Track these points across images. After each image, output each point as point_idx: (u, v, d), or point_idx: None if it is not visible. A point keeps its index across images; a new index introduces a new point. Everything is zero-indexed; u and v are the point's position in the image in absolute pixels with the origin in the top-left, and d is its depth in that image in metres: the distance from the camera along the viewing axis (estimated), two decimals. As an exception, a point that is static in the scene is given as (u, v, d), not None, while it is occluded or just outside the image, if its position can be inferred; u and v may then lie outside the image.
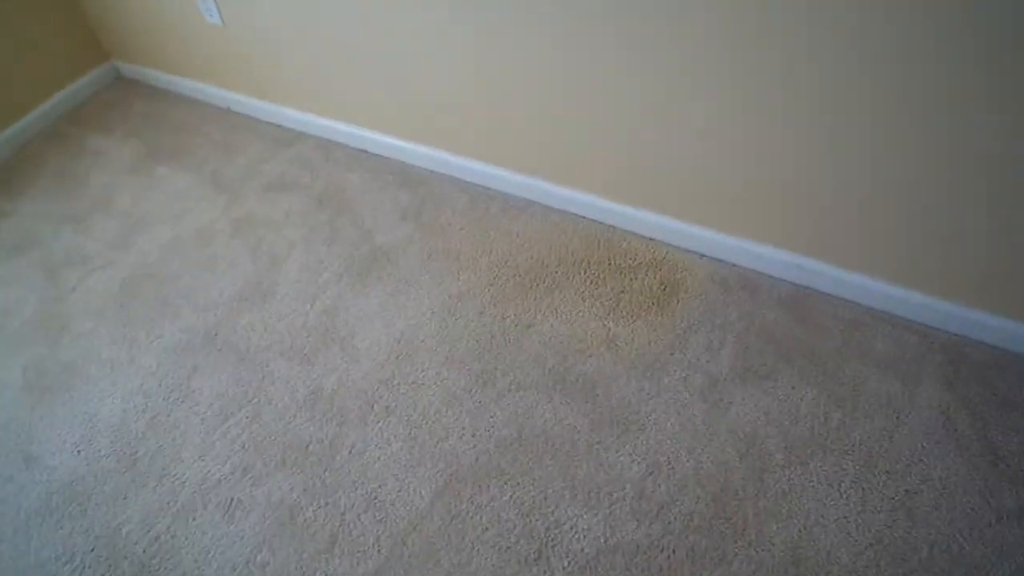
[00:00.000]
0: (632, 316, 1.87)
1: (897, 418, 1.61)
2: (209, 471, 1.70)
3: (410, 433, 1.71)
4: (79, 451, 1.79)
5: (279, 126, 2.61)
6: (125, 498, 1.69)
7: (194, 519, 1.63)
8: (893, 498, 1.50)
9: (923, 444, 1.57)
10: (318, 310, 2.01)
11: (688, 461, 1.60)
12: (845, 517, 1.48)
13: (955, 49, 1.36)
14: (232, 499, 1.66)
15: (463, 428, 1.71)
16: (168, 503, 1.66)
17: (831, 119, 1.60)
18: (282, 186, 2.38)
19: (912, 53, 1.41)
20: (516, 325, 1.89)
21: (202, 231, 2.28)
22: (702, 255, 1.99)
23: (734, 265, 1.96)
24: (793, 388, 1.69)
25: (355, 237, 2.18)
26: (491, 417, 1.72)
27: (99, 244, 2.29)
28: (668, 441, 1.63)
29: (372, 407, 1.78)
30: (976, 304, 1.69)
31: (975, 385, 1.66)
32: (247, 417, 1.80)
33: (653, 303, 1.89)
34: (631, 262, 2.00)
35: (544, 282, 1.99)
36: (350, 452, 1.70)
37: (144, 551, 1.59)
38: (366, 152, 2.46)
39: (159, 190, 2.43)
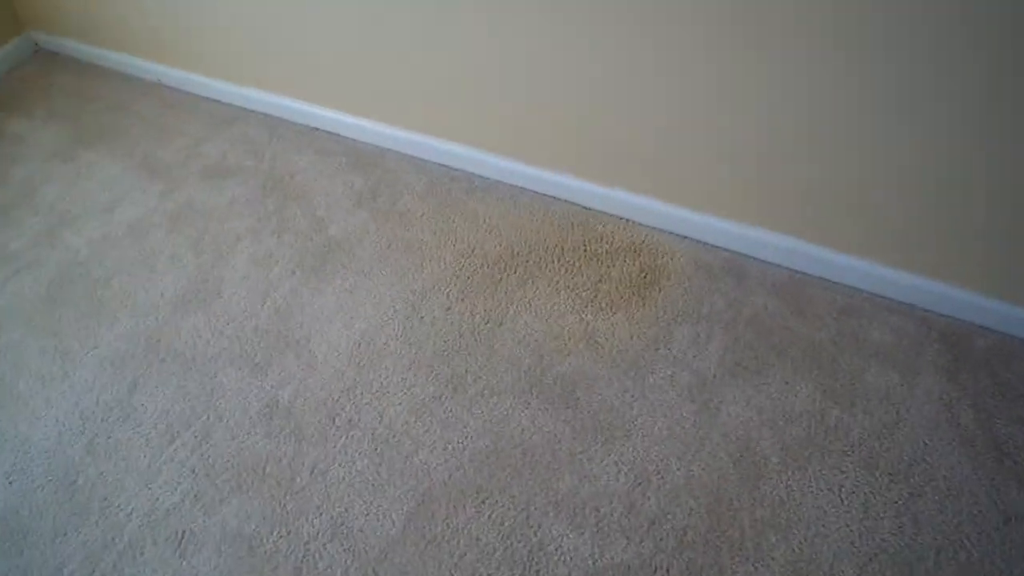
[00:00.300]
0: (612, 308, 1.74)
1: (897, 413, 1.52)
2: (157, 500, 1.55)
3: (376, 449, 1.57)
4: (11, 481, 1.62)
5: (218, 102, 2.38)
6: (65, 534, 1.53)
7: (142, 555, 1.48)
8: (897, 502, 1.41)
9: (925, 441, 1.48)
10: (270, 310, 1.84)
11: (679, 470, 1.48)
12: (847, 525, 1.39)
13: (950, 33, 1.22)
14: (183, 531, 1.51)
15: (434, 441, 1.57)
16: (113, 539, 1.51)
17: (821, 93, 1.45)
18: (224, 171, 2.18)
19: (909, 33, 1.26)
20: (487, 322, 1.75)
21: (137, 224, 2.07)
22: (684, 237, 1.85)
23: (719, 248, 1.82)
24: (787, 383, 1.58)
25: (307, 227, 2.00)
26: (464, 427, 1.58)
27: (22, 242, 2.07)
28: (656, 448, 1.51)
29: (333, 420, 1.63)
30: (977, 288, 1.59)
31: (977, 374, 1.56)
32: (196, 436, 1.64)
33: (634, 293, 1.76)
34: (608, 247, 1.86)
35: (515, 272, 1.83)
36: (312, 472, 1.56)
37: (87, 596, 1.44)
38: (315, 130, 2.25)
39: (87, 179, 2.21)
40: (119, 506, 1.55)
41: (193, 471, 1.59)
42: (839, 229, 1.65)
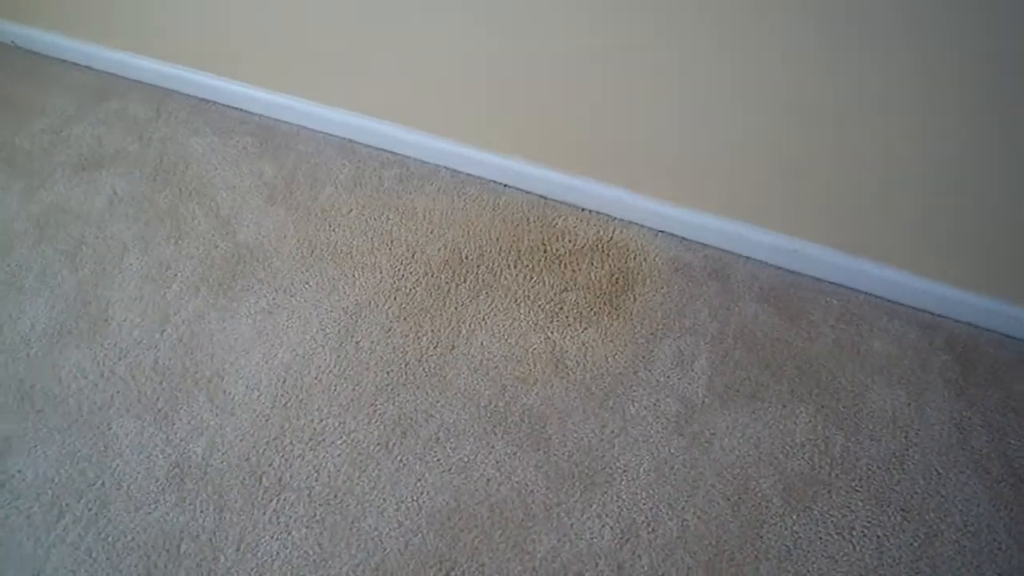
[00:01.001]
0: (581, 322, 1.50)
1: (906, 437, 1.36)
2: (45, 595, 1.27)
3: (315, 514, 1.32)
4: None
5: (89, 70, 1.97)
6: (-71, 644, 1.24)
7: (32, 668, 1.21)
8: (912, 544, 1.26)
9: (938, 469, 1.33)
10: (171, 340, 1.52)
11: (671, 519, 1.29)
12: (861, 575, 1.24)
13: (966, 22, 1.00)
14: (82, 633, 1.24)
15: (384, 500, 1.33)
16: (-9, 650, 1.23)
17: (824, 74, 1.22)
18: (100, 159, 1.79)
19: (921, 21, 1.03)
20: (435, 346, 1.49)
21: (-5, 233, 1.70)
22: (658, 232, 1.62)
23: (699, 245, 1.60)
24: (784, 407, 1.39)
25: (209, 231, 1.67)
26: (419, 481, 1.34)
27: None
28: (644, 494, 1.32)
29: (260, 480, 1.36)
30: (983, 290, 1.42)
31: (987, 388, 1.41)
32: (90, 509, 1.35)
33: (605, 303, 1.53)
34: (571, 246, 1.61)
35: (464, 282, 1.57)
36: (238, 548, 1.30)
37: None
38: (212, 104, 1.88)
39: (-74, 173, 1.79)
40: (-2, 606, 1.26)
41: (90, 554, 1.30)
42: (834, 225, 1.45)
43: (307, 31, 1.61)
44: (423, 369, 1.46)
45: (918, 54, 1.16)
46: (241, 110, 1.87)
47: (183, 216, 1.69)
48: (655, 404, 1.40)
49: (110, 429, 1.43)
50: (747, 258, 1.58)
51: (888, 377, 1.42)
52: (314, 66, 1.69)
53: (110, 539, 1.32)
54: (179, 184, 1.74)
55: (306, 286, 1.57)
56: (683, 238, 1.61)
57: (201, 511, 1.34)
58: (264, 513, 1.33)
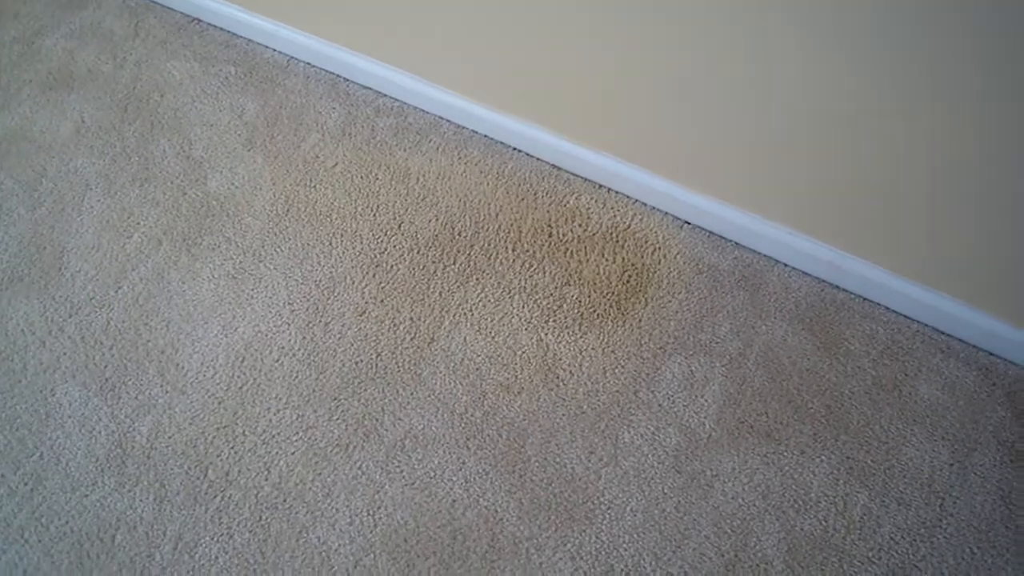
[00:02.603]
0: (581, 325, 1.31)
1: (941, 506, 1.16)
2: (-30, 574, 1.18)
3: (261, 518, 1.19)
4: None
5: (65, -31, 1.75)
6: None
7: (-49, 652, 1.13)
8: (930, 634, 1.09)
9: (973, 548, 1.13)
10: (126, 300, 1.38)
11: (654, 571, 1.13)
12: (864, 664, 1.08)
13: None
14: (6, 620, 1.15)
15: (336, 510, 1.19)
16: (-89, 628, 1.15)
17: (893, 80, 0.96)
18: (70, 79, 1.60)
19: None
20: (413, 337, 1.31)
21: (-48, 154, 1.54)
22: (684, 223, 1.39)
23: (730, 244, 1.37)
24: (803, 453, 1.20)
25: (179, 173, 1.49)
26: (377, 493, 1.20)
27: None
28: (627, 537, 1.15)
29: (206, 472, 1.23)
30: (1069, 334, 1.18)
31: (1051, 453, 1.19)
32: (26, 483, 1.24)
33: (612, 304, 1.32)
34: (581, 231, 1.39)
35: (454, 263, 1.37)
36: (175, 547, 1.18)
37: None
38: (196, 22, 1.66)
39: None
40: (-78, 580, 1.18)
41: (22, 534, 1.20)
42: (887, 241, 1.20)
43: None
44: (396, 363, 1.29)
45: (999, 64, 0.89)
46: (228, 32, 1.65)
47: (152, 154, 1.51)
48: (654, 433, 1.22)
49: (53, 395, 1.31)
50: (784, 265, 1.34)
51: (931, 430, 1.21)
52: (306, -10, 1.45)
53: (44, 520, 1.21)
54: (152, 116, 1.55)
55: (277, 251, 1.40)
56: (712, 233, 1.37)
57: (140, 499, 1.22)
58: (206, 510, 1.20)
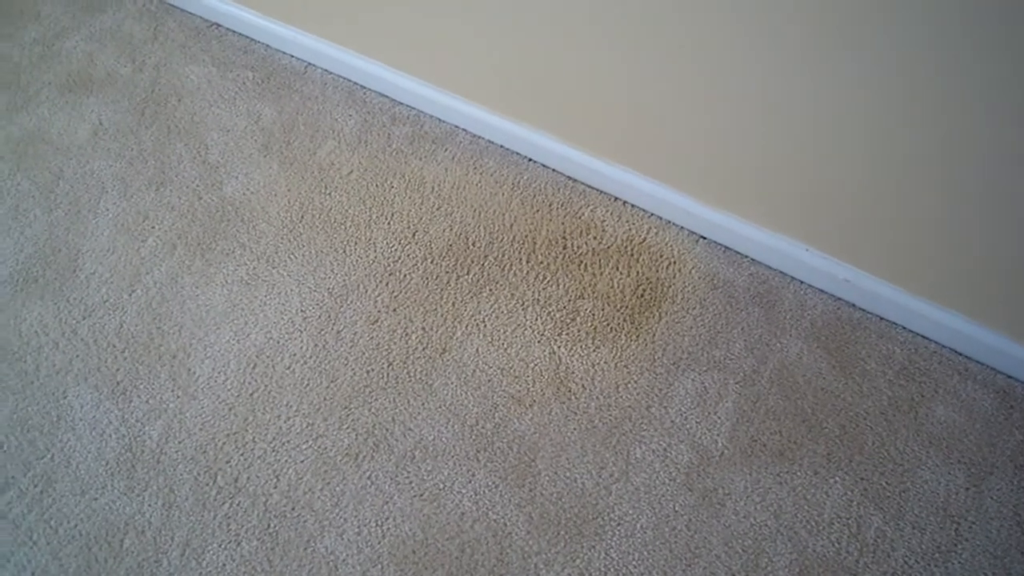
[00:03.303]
0: (594, 339, 1.30)
1: (956, 530, 1.14)
2: (-21, 575, 1.18)
3: (269, 526, 1.19)
4: None
5: (87, -28, 1.76)
6: None
7: (-42, 652, 1.13)
8: (943, 660, 1.08)
9: (988, 574, 1.12)
10: (139, 304, 1.38)
11: (662, 590, 1.12)
12: None
13: None
14: (13, 623, 1.15)
15: (345, 520, 1.19)
16: (-82, 628, 1.15)
17: (905, 97, 0.95)
18: (89, 82, 1.61)
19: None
20: (425, 347, 1.31)
21: (-29, 155, 1.55)
22: (700, 238, 1.38)
23: (746, 260, 1.36)
24: (816, 474, 1.18)
25: (195, 178, 1.49)
26: (386, 504, 1.19)
27: None
28: (636, 555, 1.14)
29: (215, 479, 1.23)
30: (1091, 359, 1.17)
31: (1070, 479, 1.18)
32: (36, 485, 1.24)
33: (625, 319, 1.31)
34: (596, 244, 1.38)
35: (468, 273, 1.37)
36: (183, 553, 1.18)
37: None
38: (214, 27, 1.67)
39: (-94, 79, 1.64)
40: (-69, 580, 1.18)
41: (31, 536, 1.21)
42: (909, 261, 1.19)
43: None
44: (407, 373, 1.29)
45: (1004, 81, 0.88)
46: (246, 37, 1.65)
47: (169, 158, 1.51)
48: (665, 449, 1.21)
49: (65, 398, 1.31)
50: (800, 282, 1.33)
51: (947, 452, 1.19)
52: (326, 2, 1.46)
53: (53, 522, 1.21)
54: (169, 120, 1.56)
55: (291, 257, 1.40)
56: (727, 248, 1.36)
57: (149, 504, 1.22)
58: (215, 517, 1.20)
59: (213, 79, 1.60)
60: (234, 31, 1.66)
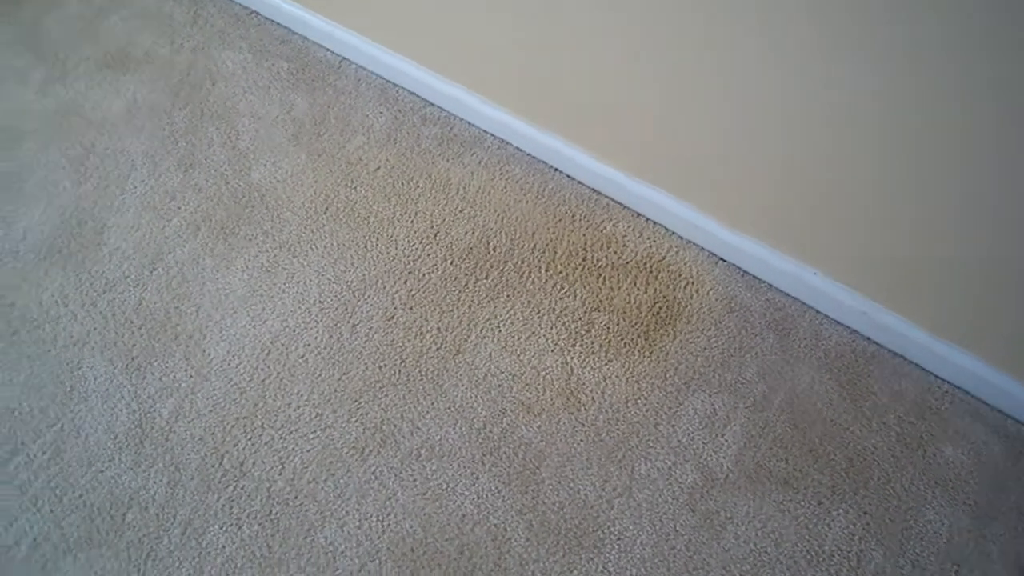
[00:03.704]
0: (607, 352, 1.30)
1: (956, 573, 1.14)
2: (-18, 537, 1.19)
3: (271, 512, 1.20)
4: None
5: (133, -48, 1.79)
6: None
7: (-44, 614, 1.14)
8: None
9: (988, 619, 1.11)
10: (159, 282, 1.39)
11: (657, 608, 1.12)
12: None
13: None
14: (11, 587, 1.16)
15: (347, 513, 1.19)
16: (-81, 585, 1.16)
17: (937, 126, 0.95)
18: (126, 60, 1.63)
19: None
20: (438, 347, 1.32)
21: (6, 124, 1.57)
22: (719, 260, 1.38)
23: (764, 286, 1.36)
24: (820, 504, 1.18)
25: (224, 162, 1.50)
26: (389, 499, 1.20)
27: None
28: (634, 570, 1.14)
29: (221, 461, 1.24)
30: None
31: (1075, 531, 1.17)
32: (45, 452, 1.26)
33: (640, 334, 1.32)
34: (615, 258, 1.39)
35: (486, 277, 1.37)
36: (184, 531, 1.19)
37: None
38: (253, 15, 1.69)
39: (-52, 44, 1.67)
40: (-63, 540, 1.19)
41: (35, 503, 1.22)
42: (930, 299, 1.19)
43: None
44: (419, 371, 1.29)
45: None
46: (284, 27, 1.67)
47: (199, 141, 1.53)
48: (670, 468, 1.21)
49: (80, 369, 1.32)
50: (816, 312, 1.33)
51: (953, 493, 1.19)
52: (366, -6, 1.47)
53: (58, 491, 1.23)
54: (202, 103, 1.57)
55: (312, 248, 1.41)
56: (746, 272, 1.37)
57: (155, 481, 1.23)
58: (218, 498, 1.21)
59: (248, 66, 1.62)
60: (272, 20, 1.68)
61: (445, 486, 1.21)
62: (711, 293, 1.35)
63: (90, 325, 1.36)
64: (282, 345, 1.33)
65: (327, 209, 1.45)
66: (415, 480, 1.21)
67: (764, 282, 1.36)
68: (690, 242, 1.40)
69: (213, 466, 1.24)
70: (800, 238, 1.27)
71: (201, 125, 1.54)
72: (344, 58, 1.63)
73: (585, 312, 1.33)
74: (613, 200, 1.44)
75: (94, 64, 1.63)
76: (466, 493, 1.20)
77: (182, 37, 1.66)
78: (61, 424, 1.28)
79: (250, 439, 1.25)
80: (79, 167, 1.51)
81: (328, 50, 1.64)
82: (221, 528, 1.19)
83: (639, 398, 1.26)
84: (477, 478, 1.21)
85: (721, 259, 1.38)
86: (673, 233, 1.40)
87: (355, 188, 1.46)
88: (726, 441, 1.23)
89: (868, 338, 1.31)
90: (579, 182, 1.46)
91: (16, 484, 1.24)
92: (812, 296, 1.31)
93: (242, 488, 1.22)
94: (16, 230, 1.45)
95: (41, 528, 1.20)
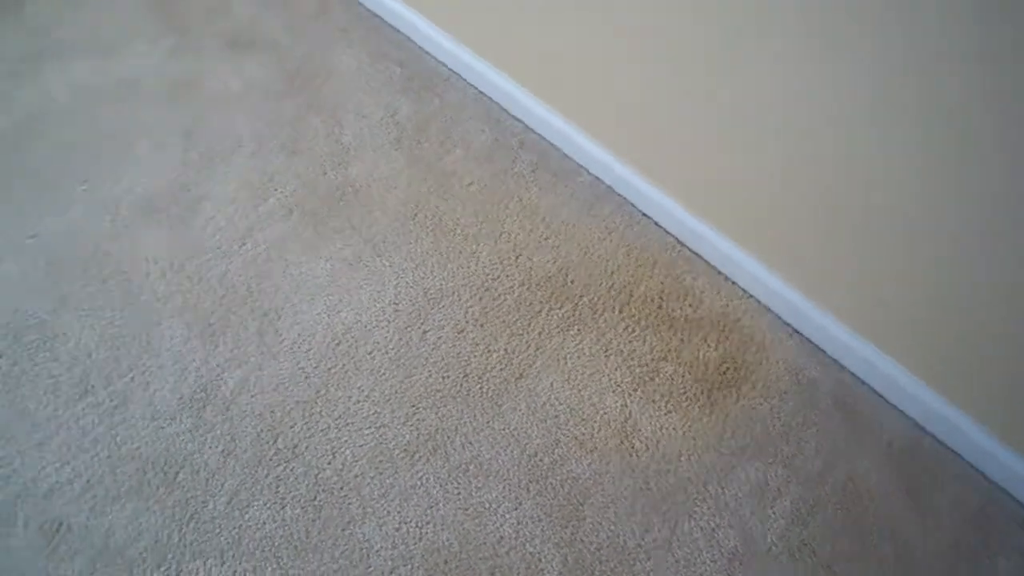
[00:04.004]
0: (668, 403, 1.30)
1: None
2: (41, 471, 1.23)
3: (315, 499, 1.22)
4: None
5: (273, -58, 1.87)
6: (-69, 474, 1.24)
7: (8, 539, 1.18)
8: None
9: None
10: (246, 257, 1.44)
11: (680, 669, 1.11)
12: None
13: None
14: (61, 523, 1.19)
15: (388, 512, 1.21)
16: (-23, 505, 1.21)
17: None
18: (249, 43, 1.71)
19: None
20: (503, 368, 1.33)
21: (132, 83, 1.65)
22: (794, 332, 1.37)
23: (835, 365, 1.35)
24: (861, 596, 1.16)
25: (325, 154, 1.56)
26: (431, 508, 1.21)
27: (-6, 63, 1.68)
28: (661, 626, 1.14)
29: (276, 439, 1.27)
30: None
31: None
32: (112, 400, 1.30)
33: (703, 391, 1.31)
34: (690, 311, 1.39)
35: (560, 308, 1.39)
36: (229, 502, 1.22)
37: (-80, 578, 1.16)
38: (375, 17, 1.75)
39: (90, 6, 1.76)
40: (1, 462, 1.24)
41: (94, 446, 1.26)
42: (1011, 411, 1.16)
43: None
44: (480, 388, 1.31)
45: None
46: (402, 34, 1.73)
47: (304, 129, 1.58)
48: (714, 529, 1.20)
49: (159, 326, 1.37)
50: (886, 401, 1.31)
51: (1003, 612, 1.15)
52: (489, 18, 1.51)
53: (119, 439, 1.27)
54: (313, 93, 1.63)
55: (396, 250, 1.44)
56: (819, 348, 1.36)
57: (210, 447, 1.26)
58: (267, 475, 1.24)
59: (363, 66, 1.67)
60: (392, 25, 1.74)
61: (487, 505, 1.22)
62: (781, 363, 1.34)
63: (175, 287, 1.41)
64: (352, 338, 1.36)
65: (416, 215, 1.48)
66: (459, 494, 1.22)
67: (836, 361, 1.34)
68: (767, 308, 1.39)
69: (267, 443, 1.27)
70: (882, 324, 1.26)
71: (309, 115, 1.60)
72: (455, 72, 1.67)
73: (652, 359, 1.34)
74: (696, 254, 1.44)
75: (219, 41, 1.70)
76: (507, 516, 1.21)
77: (305, 28, 1.73)
78: (132, 375, 1.33)
79: (307, 423, 1.28)
80: (189, 136, 1.58)
81: (441, 62, 1.69)
82: (265, 505, 1.21)
83: (693, 454, 1.26)
84: (520, 503, 1.22)
85: (796, 331, 1.37)
86: (751, 296, 1.40)
87: (446, 199, 1.50)
88: (774, 513, 1.21)
89: (935, 437, 1.28)
90: (665, 230, 1.47)
91: (80, 424, 1.28)
92: (884, 385, 1.29)
93: (291, 470, 1.24)
94: (121, 186, 1.52)
95: (96, 471, 1.24)
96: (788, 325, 1.38)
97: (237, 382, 1.32)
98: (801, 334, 1.37)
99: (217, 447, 1.26)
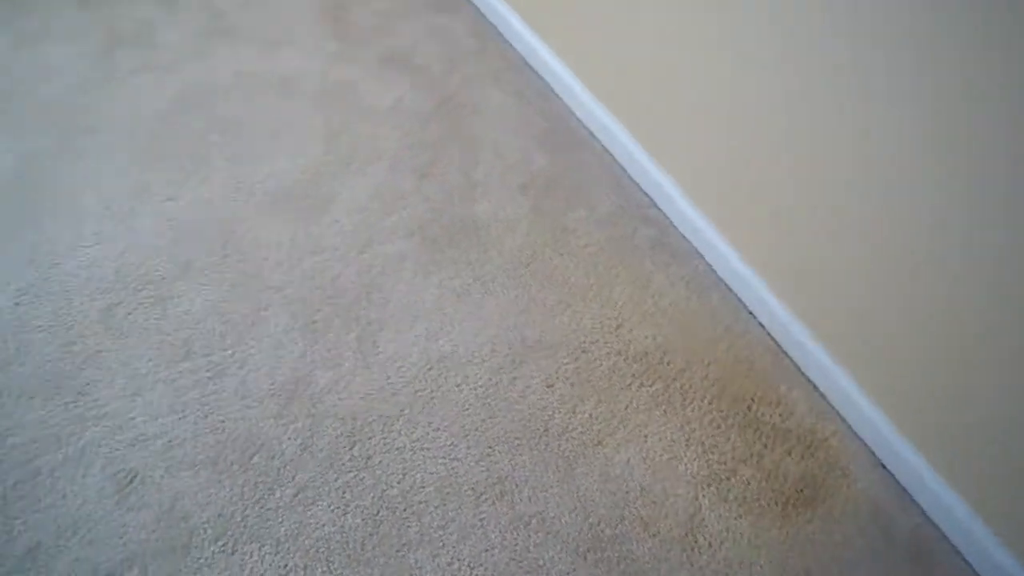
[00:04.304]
0: (740, 507, 1.29)
1: None
2: (130, 420, 1.29)
3: (377, 513, 1.24)
4: (17, 303, 1.41)
5: (447, -24, 1.97)
6: (31, 398, 1.30)
7: (83, 477, 1.23)
8: None
9: None
10: (361, 265, 1.49)
11: None
12: None
13: None
14: (136, 475, 1.24)
15: (442, 545, 1.22)
16: (70, 435, 1.26)
17: None
18: (405, 63, 1.79)
19: None
20: (583, 432, 1.34)
21: (291, 79, 1.74)
22: (880, 465, 1.35)
23: (917, 509, 1.31)
24: None
25: (455, 186, 1.61)
26: (485, 551, 1.22)
27: (176, 37, 1.79)
28: None
29: (352, 446, 1.30)
30: None
31: None
32: (209, 370, 1.36)
33: (777, 503, 1.29)
34: (779, 420, 1.38)
35: (651, 386, 1.40)
36: (296, 495, 1.25)
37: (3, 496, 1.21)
38: (527, 66, 1.81)
39: (269, 2, 1.88)
40: (94, 400, 1.30)
41: (183, 409, 1.31)
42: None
43: (653, 60, 1.48)
44: (558, 446, 1.32)
45: None
46: (550, 87, 1.79)
47: (442, 157, 1.64)
48: (762, 647, 1.17)
49: (266, 311, 1.43)
50: (965, 560, 1.27)
51: None
52: (635, 89, 1.56)
53: (206, 408, 1.32)
54: (456, 125, 1.70)
55: (504, 292, 1.48)
56: (904, 489, 1.32)
57: (289, 438, 1.30)
58: (337, 479, 1.26)
59: (508, 109, 1.74)
60: (542, 77, 1.80)
61: (541, 563, 1.21)
62: (861, 495, 1.31)
63: (289, 277, 1.47)
64: (445, 367, 1.39)
65: (530, 263, 1.51)
66: (516, 545, 1.23)
67: (920, 507, 1.31)
68: (857, 435, 1.37)
69: (344, 447, 1.30)
70: (975, 479, 1.22)
71: (448, 144, 1.66)
72: (593, 133, 1.72)
73: (732, 459, 1.33)
74: (796, 364, 1.44)
75: (379, 57, 1.79)
76: (559, 578, 1.20)
77: (460, 62, 1.81)
78: (232, 352, 1.38)
79: (384, 438, 1.31)
80: (332, 139, 1.66)
81: (581, 122, 1.74)
82: (329, 506, 1.24)
83: (755, 564, 1.24)
84: (575, 569, 1.21)
85: (883, 464, 1.34)
86: (844, 420, 1.38)
87: (561, 255, 1.53)
88: (828, 647, 1.18)
89: (1009, 610, 1.23)
90: (769, 333, 1.47)
91: (175, 387, 1.34)
92: (967, 543, 1.25)
93: (361, 479, 1.27)
94: (261, 169, 1.60)
95: (179, 434, 1.29)
96: (876, 457, 1.35)
97: (328, 382, 1.36)
98: (887, 469, 1.34)
99: (296, 440, 1.30)
